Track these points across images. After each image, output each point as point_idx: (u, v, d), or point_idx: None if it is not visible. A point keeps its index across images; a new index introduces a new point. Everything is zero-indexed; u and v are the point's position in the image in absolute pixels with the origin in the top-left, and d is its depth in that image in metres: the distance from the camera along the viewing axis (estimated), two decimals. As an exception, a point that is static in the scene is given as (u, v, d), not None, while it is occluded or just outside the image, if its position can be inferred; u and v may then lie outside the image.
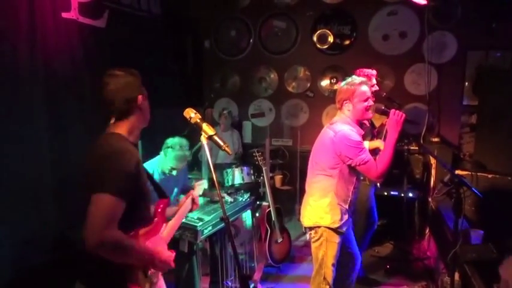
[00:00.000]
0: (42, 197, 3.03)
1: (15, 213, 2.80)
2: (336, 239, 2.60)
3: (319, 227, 2.60)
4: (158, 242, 1.79)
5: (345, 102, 2.61)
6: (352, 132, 2.53)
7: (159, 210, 1.85)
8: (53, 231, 3.04)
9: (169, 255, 1.78)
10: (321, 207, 2.60)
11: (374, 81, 3.40)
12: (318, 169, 2.64)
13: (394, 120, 2.49)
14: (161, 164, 3.14)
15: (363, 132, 2.69)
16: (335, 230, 2.59)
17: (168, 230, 1.91)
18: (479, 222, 3.42)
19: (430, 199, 4.31)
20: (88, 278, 1.67)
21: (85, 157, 1.65)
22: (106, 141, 1.65)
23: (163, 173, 3.15)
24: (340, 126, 2.56)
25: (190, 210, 2.16)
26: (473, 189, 2.40)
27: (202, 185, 2.70)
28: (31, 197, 2.93)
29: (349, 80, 2.64)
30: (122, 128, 1.69)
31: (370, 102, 2.60)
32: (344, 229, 2.62)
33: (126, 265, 1.61)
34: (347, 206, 2.62)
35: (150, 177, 1.94)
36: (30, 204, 2.93)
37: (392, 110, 2.52)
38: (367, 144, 2.93)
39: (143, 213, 1.74)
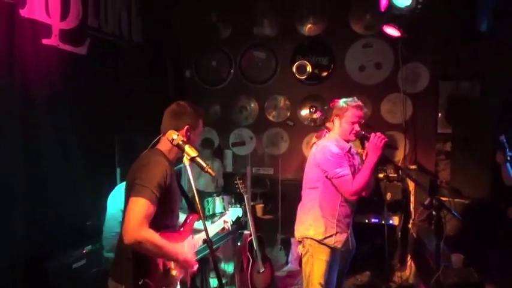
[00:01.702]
0: (14, 222, 2.89)
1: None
2: (323, 255, 2.59)
3: (306, 238, 2.65)
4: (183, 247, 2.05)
5: (335, 117, 2.72)
6: (333, 145, 2.62)
7: (188, 221, 2.12)
8: (23, 254, 2.90)
9: (192, 258, 2.03)
10: (306, 220, 2.67)
11: None
12: (306, 184, 2.74)
13: (373, 144, 2.55)
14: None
15: (350, 146, 2.75)
16: (320, 243, 2.59)
17: (194, 242, 2.16)
18: (458, 247, 3.46)
19: (409, 225, 4.34)
20: (112, 269, 2.00)
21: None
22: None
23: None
24: (324, 141, 2.69)
25: (222, 230, 2.63)
26: (452, 212, 2.45)
27: (235, 211, 2.86)
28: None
29: (347, 99, 2.74)
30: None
31: (357, 127, 2.66)
32: (332, 244, 2.60)
33: (144, 262, 1.82)
34: (335, 221, 2.61)
35: (183, 191, 2.24)
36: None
37: (373, 134, 2.59)
38: None
39: (167, 219, 1.98)
